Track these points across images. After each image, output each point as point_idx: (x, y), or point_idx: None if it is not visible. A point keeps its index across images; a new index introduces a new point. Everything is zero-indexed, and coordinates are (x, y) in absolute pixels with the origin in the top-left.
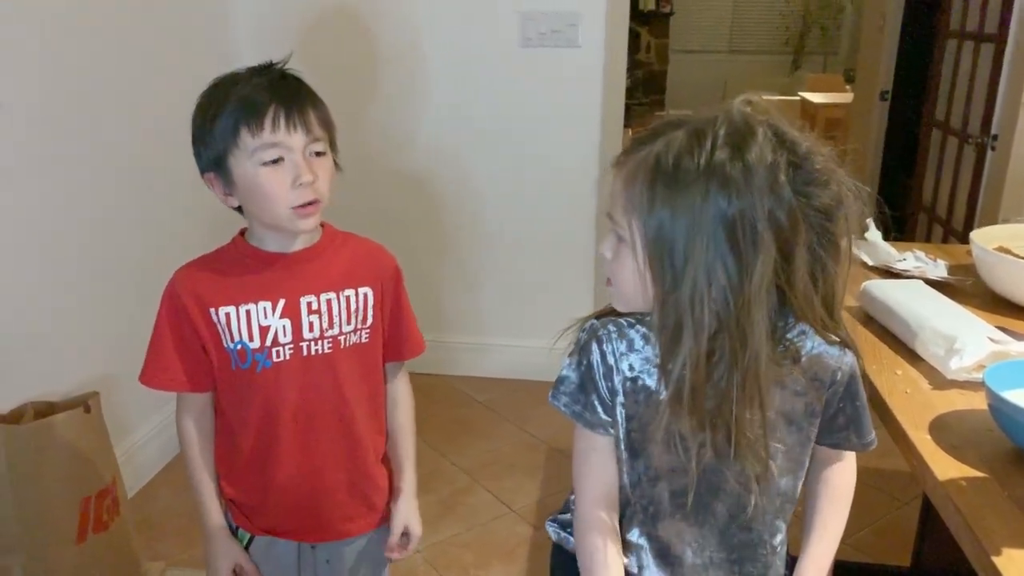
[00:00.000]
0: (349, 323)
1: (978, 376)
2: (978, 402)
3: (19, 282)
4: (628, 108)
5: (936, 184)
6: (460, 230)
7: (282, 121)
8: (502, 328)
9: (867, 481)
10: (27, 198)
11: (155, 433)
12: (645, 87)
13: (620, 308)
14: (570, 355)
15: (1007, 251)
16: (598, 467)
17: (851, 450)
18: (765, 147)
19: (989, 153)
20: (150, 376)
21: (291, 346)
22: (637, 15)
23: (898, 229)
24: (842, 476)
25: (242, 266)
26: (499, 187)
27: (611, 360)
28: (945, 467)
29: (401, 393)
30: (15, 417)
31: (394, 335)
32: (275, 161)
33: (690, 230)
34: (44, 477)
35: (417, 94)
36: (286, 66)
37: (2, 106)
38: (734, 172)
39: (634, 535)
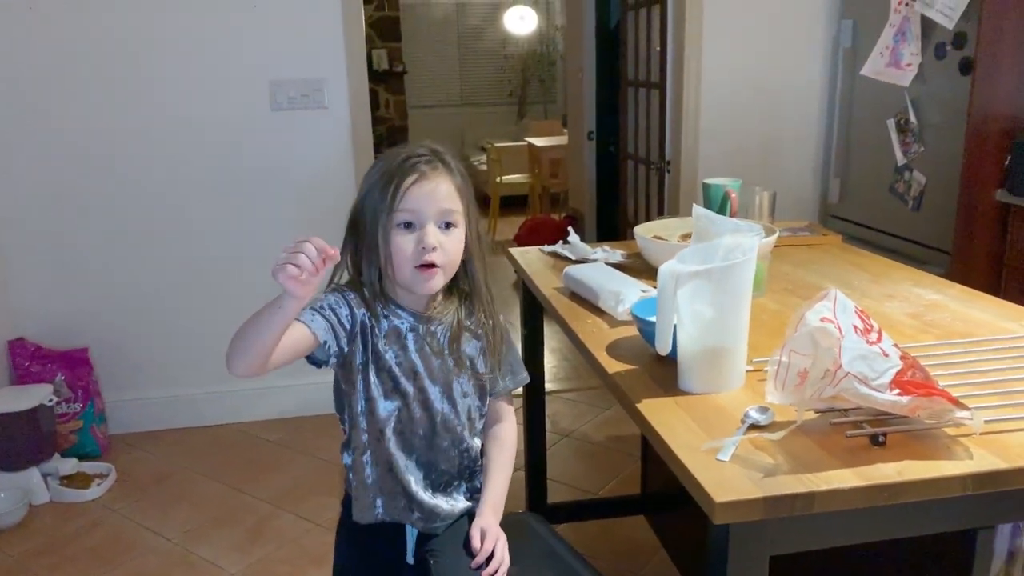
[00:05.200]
0: None
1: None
2: (636, 332)
3: None
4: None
5: (635, 203)
6: (227, 287)
7: None
8: (280, 372)
9: (610, 446)
10: None
11: None
12: (389, 141)
13: (445, 281)
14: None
15: (660, 238)
16: None
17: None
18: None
19: (666, 175)
20: None
21: None
22: (373, 75)
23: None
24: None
25: None
26: (261, 244)
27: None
28: (615, 367)
29: None
30: None
31: None
32: None
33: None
34: None
35: (173, 160)
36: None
37: None
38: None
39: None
